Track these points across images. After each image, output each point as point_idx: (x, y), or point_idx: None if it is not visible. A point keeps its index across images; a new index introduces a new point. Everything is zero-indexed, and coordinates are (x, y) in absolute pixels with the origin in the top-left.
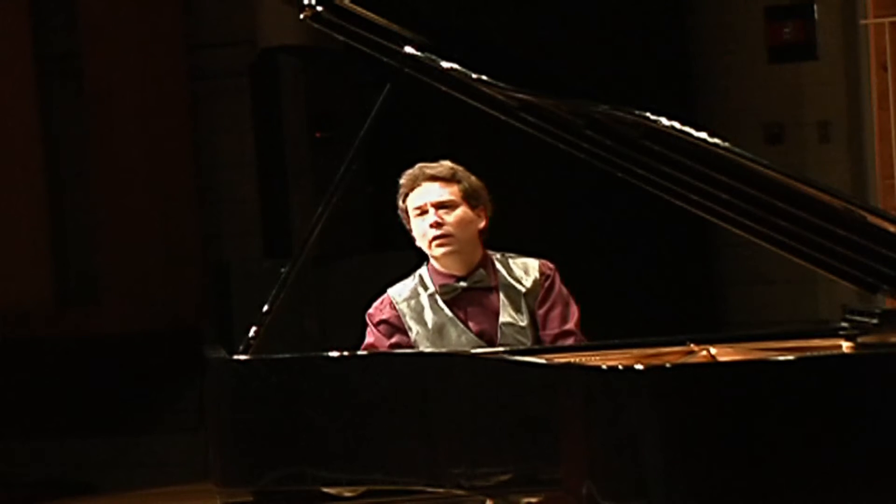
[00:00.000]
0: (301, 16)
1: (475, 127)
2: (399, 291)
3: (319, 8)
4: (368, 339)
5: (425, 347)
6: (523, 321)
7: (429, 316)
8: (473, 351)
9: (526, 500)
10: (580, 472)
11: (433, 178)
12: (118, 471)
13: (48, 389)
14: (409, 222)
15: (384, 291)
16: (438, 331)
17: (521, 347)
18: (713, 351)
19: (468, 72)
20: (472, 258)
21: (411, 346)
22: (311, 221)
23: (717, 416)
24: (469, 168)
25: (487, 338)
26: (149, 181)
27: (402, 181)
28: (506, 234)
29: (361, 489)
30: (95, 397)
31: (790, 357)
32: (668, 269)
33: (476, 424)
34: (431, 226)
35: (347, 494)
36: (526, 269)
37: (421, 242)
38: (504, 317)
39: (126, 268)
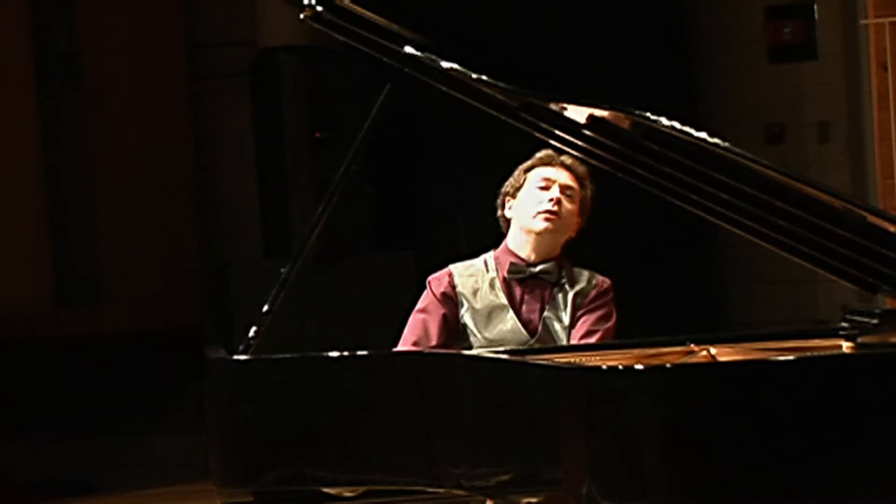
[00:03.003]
0: (301, 16)
1: (475, 127)
2: (461, 267)
3: (319, 8)
4: (422, 303)
5: (473, 325)
6: (566, 320)
7: (483, 296)
8: (473, 352)
9: (526, 500)
10: (580, 473)
11: (569, 169)
12: (118, 471)
13: (48, 389)
14: (514, 195)
15: (384, 292)
16: (488, 313)
17: (533, 346)
18: (713, 351)
19: (468, 72)
20: (552, 250)
21: (458, 320)
22: (311, 221)
23: (717, 416)
24: (468, 167)
25: (532, 328)
26: (149, 181)
27: (538, 155)
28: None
29: (361, 489)
30: (95, 397)
31: (790, 357)
32: (668, 269)
33: (476, 424)
34: (550, 200)
35: (347, 494)
36: (584, 277)
37: (525, 211)
38: (549, 311)
39: (126, 268)
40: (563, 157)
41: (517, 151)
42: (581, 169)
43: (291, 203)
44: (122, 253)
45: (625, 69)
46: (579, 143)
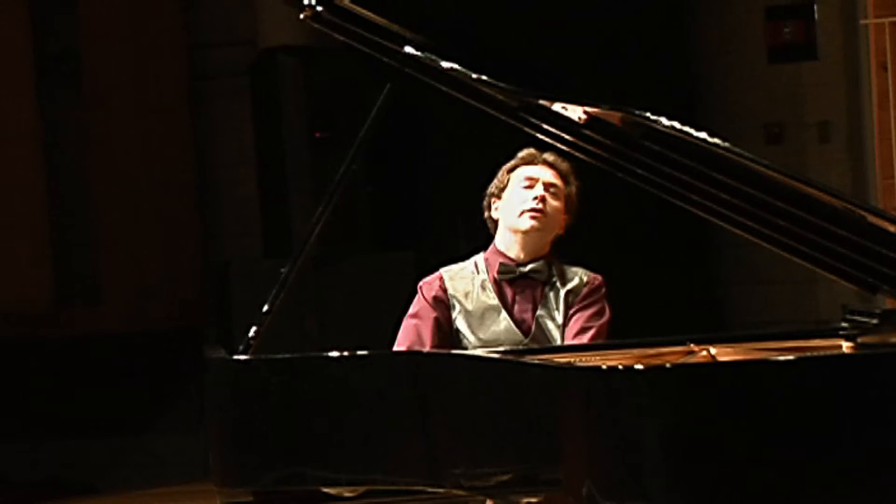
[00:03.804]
0: (301, 16)
1: (475, 127)
2: (451, 270)
3: (319, 8)
4: (414, 308)
5: (466, 328)
6: (559, 318)
7: (474, 298)
8: (473, 352)
9: (526, 500)
10: (580, 473)
11: (552, 166)
12: (118, 471)
13: (48, 389)
14: (499, 195)
15: (384, 292)
16: (481, 314)
17: (528, 346)
18: (713, 351)
19: (468, 72)
20: (540, 248)
21: (451, 323)
22: (311, 221)
23: (717, 416)
24: (468, 167)
25: (525, 328)
26: (149, 181)
27: (520, 154)
28: None
29: (361, 489)
30: (95, 397)
31: (790, 357)
32: (668, 269)
33: (476, 424)
34: (535, 198)
35: (347, 494)
36: (575, 274)
37: (511, 211)
38: (541, 310)
39: (126, 268)
40: (546, 155)
41: (517, 151)
42: (564, 166)
43: (291, 203)
44: (122, 253)
45: (625, 68)
46: (579, 142)
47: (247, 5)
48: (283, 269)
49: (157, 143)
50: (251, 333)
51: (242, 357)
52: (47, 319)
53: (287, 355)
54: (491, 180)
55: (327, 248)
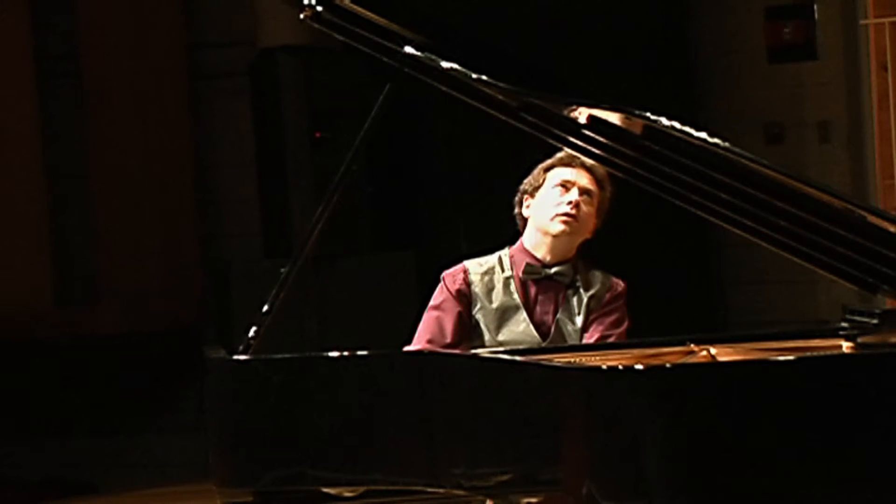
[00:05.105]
0: (301, 16)
1: (475, 127)
2: (475, 264)
3: (319, 8)
4: (436, 300)
5: (485, 324)
6: (579, 322)
7: (497, 296)
8: (474, 352)
9: (526, 500)
10: (580, 473)
11: (589, 171)
12: (118, 471)
13: (48, 389)
14: (532, 194)
15: (384, 292)
16: (501, 313)
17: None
18: (713, 351)
19: (468, 72)
20: (568, 251)
21: (471, 317)
22: (311, 221)
23: (717, 416)
24: (468, 167)
25: (545, 329)
26: (148, 181)
27: (559, 154)
28: (506, 234)
29: (361, 489)
30: (95, 397)
31: (790, 357)
32: (668, 269)
33: (476, 424)
34: (569, 203)
35: (347, 494)
36: (598, 279)
37: (543, 212)
38: (562, 313)
39: (126, 268)
40: (582, 159)
41: (517, 152)
42: (601, 171)
43: (291, 203)
44: (121, 253)
45: (625, 69)
46: (579, 142)
47: (247, 5)
48: (283, 269)
49: (157, 143)
50: (251, 333)
51: (242, 357)
52: (47, 319)
53: (287, 355)
54: (490, 180)
55: (327, 248)
